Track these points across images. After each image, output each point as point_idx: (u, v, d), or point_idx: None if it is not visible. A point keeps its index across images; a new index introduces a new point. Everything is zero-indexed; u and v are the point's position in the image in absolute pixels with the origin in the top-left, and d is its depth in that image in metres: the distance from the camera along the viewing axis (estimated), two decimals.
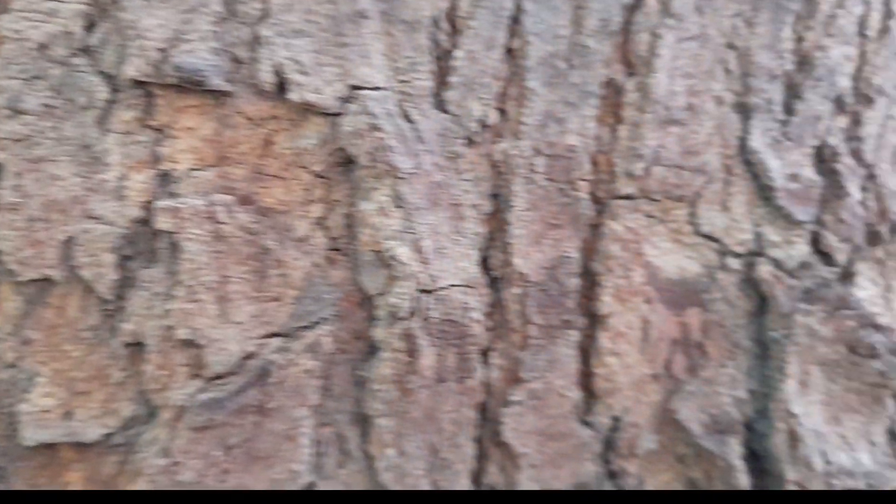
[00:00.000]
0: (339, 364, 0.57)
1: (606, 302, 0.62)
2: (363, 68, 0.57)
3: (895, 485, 0.69)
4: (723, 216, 0.66)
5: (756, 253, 0.66)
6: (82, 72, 0.54)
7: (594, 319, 0.62)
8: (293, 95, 0.56)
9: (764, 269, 0.66)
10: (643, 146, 0.63)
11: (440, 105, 0.59)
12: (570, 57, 0.62)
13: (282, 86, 0.56)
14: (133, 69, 0.53)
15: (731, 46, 0.66)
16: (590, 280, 0.63)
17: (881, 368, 0.67)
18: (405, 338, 0.57)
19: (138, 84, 0.54)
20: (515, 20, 0.61)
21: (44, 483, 0.53)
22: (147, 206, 0.54)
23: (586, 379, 0.62)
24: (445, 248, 0.58)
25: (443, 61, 0.60)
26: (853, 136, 0.71)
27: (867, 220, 0.71)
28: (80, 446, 0.54)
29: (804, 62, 0.69)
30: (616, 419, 0.63)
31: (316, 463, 0.56)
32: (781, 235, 0.67)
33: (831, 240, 0.68)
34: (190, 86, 0.54)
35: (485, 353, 0.60)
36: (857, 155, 0.71)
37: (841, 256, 0.69)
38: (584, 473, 0.61)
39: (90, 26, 0.54)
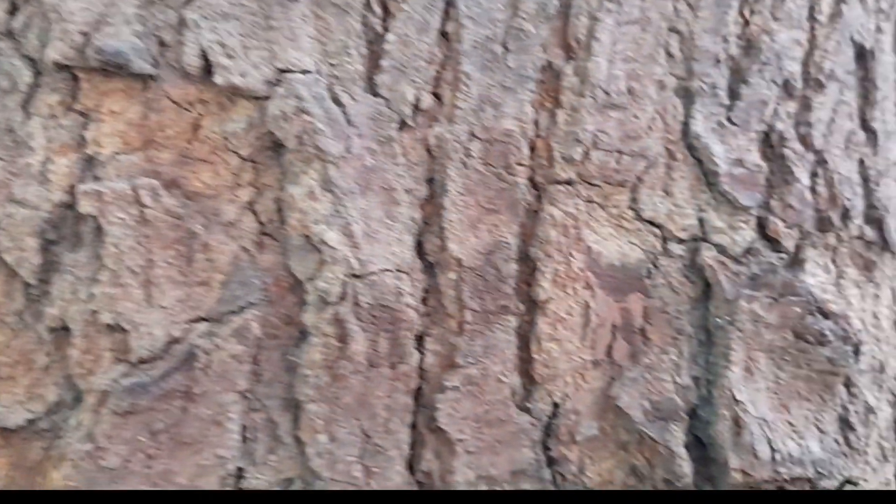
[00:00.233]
0: (270, 349, 0.57)
1: (545, 287, 0.62)
2: (291, 52, 0.57)
3: (846, 473, 0.68)
4: (665, 201, 0.65)
5: (700, 238, 0.66)
6: (5, 56, 0.54)
7: (533, 305, 0.62)
8: (219, 79, 0.55)
9: (708, 255, 0.65)
10: (582, 131, 0.63)
11: (372, 89, 0.59)
12: (507, 41, 0.62)
13: (208, 69, 0.56)
14: (56, 53, 0.53)
15: (673, 30, 0.66)
16: (528, 266, 0.62)
17: (830, 356, 0.66)
18: (335, 323, 0.56)
19: (62, 68, 0.54)
20: (450, 3, 0.60)
21: None
22: (71, 191, 0.54)
23: (525, 365, 0.62)
24: (377, 233, 0.58)
25: (375, 45, 0.59)
26: (802, 122, 0.71)
27: (817, 206, 0.70)
28: (5, 431, 0.54)
29: (750, 46, 0.69)
30: (556, 405, 0.62)
31: (245, 449, 0.56)
32: (726, 221, 0.66)
33: (778, 225, 0.68)
34: (114, 69, 0.54)
35: (420, 339, 0.59)
36: (805, 140, 0.70)
37: (789, 242, 0.68)
38: (522, 460, 0.60)
39: (13, 10, 0.54)
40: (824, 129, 0.71)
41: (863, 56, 0.76)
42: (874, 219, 0.75)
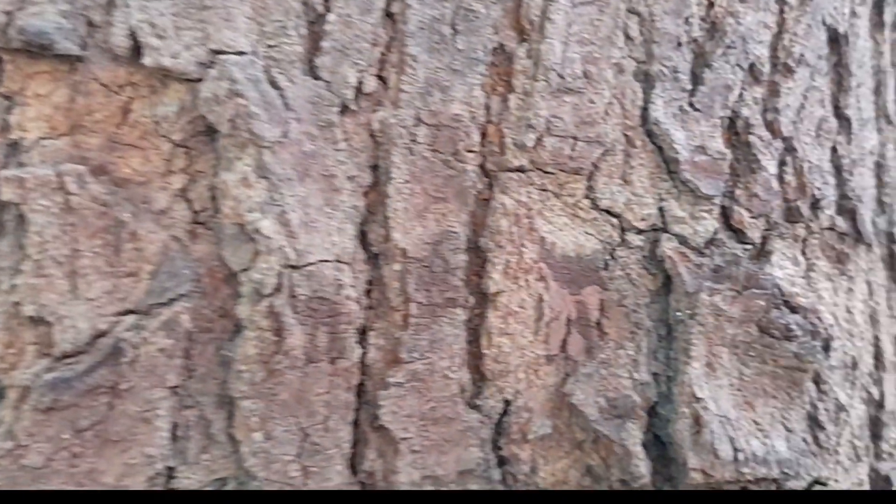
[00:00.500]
0: (203, 343, 0.54)
1: (496, 279, 0.59)
2: (226, 32, 0.54)
3: (814, 473, 0.65)
4: (624, 190, 0.62)
5: (660, 228, 0.63)
6: None
7: (483, 298, 0.59)
8: (147, 60, 0.53)
9: (668, 246, 0.63)
10: (535, 116, 0.60)
11: (312, 71, 0.56)
12: (456, 22, 0.59)
13: (138, 50, 0.53)
14: None
15: (632, 12, 0.63)
16: (479, 257, 0.59)
17: (797, 351, 0.64)
18: (271, 316, 0.54)
19: None
20: None
21: None
22: None
23: (475, 360, 0.59)
24: (316, 222, 0.55)
25: (315, 25, 0.57)
26: (770, 108, 0.68)
27: (785, 196, 0.68)
28: None
29: (714, 29, 0.66)
30: (507, 403, 0.59)
31: (177, 447, 0.53)
32: (687, 210, 0.63)
33: (743, 215, 0.65)
34: (38, 51, 0.52)
35: (362, 333, 0.57)
36: (773, 127, 0.67)
37: (754, 233, 0.66)
38: (471, 460, 0.58)
39: None
40: (793, 115, 0.69)
41: (836, 41, 0.74)
42: (847, 209, 0.72)
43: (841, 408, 0.69)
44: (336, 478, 0.55)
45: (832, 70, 0.73)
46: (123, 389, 0.52)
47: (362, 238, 0.57)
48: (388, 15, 0.58)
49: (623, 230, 0.62)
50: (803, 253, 0.69)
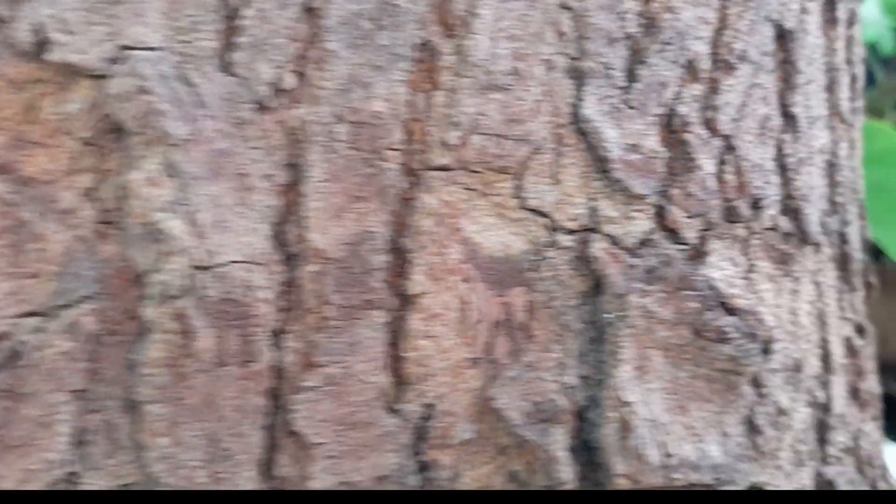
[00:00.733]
0: (110, 346, 0.53)
1: (418, 280, 0.58)
2: (136, 27, 0.53)
3: (750, 478, 0.64)
4: (553, 189, 0.61)
5: (590, 229, 0.62)
6: None
7: (405, 299, 0.58)
8: (53, 56, 0.52)
9: (598, 247, 0.61)
10: (460, 113, 0.59)
11: (227, 68, 0.55)
12: (379, 16, 0.58)
13: (44, 46, 0.52)
14: None
15: (564, 7, 0.62)
16: (400, 258, 0.58)
17: (733, 353, 0.62)
18: (178, 318, 0.52)
19: None
20: None
21: None
22: None
23: (396, 364, 0.58)
24: (228, 222, 0.54)
25: (231, 20, 0.55)
26: (709, 105, 0.66)
27: (724, 195, 0.66)
28: None
29: (651, 24, 0.64)
30: (429, 407, 0.58)
31: (81, 452, 0.52)
32: (620, 210, 0.62)
33: (678, 215, 0.63)
34: None
35: (277, 336, 0.56)
36: (712, 125, 0.66)
37: (690, 233, 0.64)
38: (388, 465, 0.57)
39: None
40: (734, 113, 0.67)
41: (783, 37, 0.72)
42: (792, 209, 0.71)
43: (782, 411, 0.67)
44: (246, 484, 0.54)
45: (779, 67, 0.72)
46: (24, 394, 0.51)
47: (278, 238, 0.56)
48: (308, 10, 0.57)
49: (552, 230, 0.61)
50: (744, 254, 0.67)
